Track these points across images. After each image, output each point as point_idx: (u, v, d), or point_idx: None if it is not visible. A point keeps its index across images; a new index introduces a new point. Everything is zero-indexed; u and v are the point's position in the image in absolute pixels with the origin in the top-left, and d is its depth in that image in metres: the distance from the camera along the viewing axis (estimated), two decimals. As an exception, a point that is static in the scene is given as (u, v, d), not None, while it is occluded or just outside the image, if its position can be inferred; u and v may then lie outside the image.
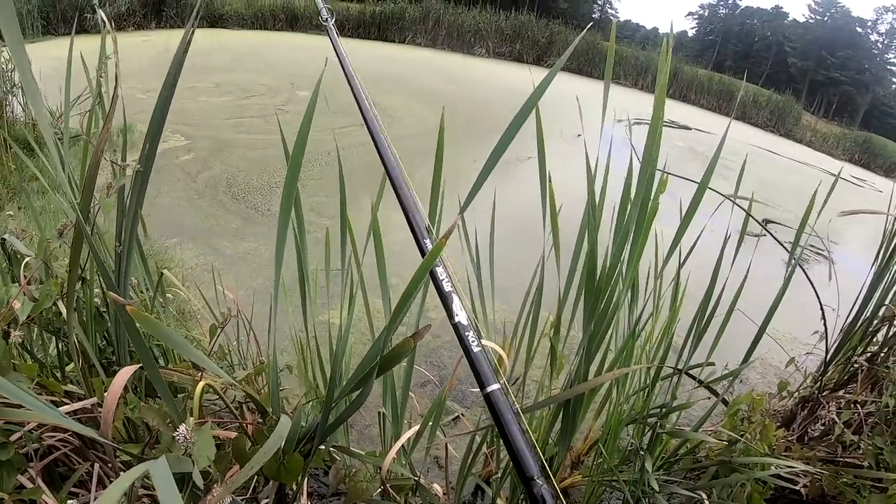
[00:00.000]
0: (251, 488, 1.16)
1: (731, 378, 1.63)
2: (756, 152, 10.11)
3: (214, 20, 14.21)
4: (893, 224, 1.76)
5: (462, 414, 2.16)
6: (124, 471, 0.90)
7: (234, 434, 0.93)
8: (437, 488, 1.26)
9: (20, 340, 0.96)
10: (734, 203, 1.48)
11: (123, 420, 1.04)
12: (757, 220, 1.60)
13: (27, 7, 8.15)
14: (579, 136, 6.91)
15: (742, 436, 1.48)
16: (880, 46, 44.59)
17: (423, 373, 2.34)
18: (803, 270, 1.53)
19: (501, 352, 1.06)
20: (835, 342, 1.81)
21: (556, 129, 6.97)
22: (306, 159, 1.18)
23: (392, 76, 10.08)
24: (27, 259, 1.08)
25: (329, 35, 1.36)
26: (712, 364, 1.59)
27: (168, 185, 4.15)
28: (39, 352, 1.16)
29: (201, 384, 0.82)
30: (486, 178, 0.85)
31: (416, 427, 1.20)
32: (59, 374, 1.12)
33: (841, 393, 1.79)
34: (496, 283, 1.57)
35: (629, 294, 1.44)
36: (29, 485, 0.86)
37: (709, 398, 1.66)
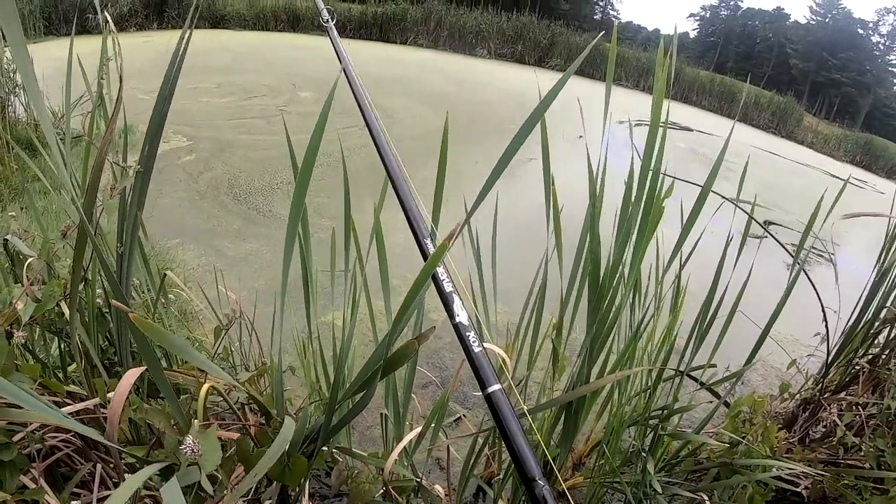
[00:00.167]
0: (253, 489, 1.16)
1: (732, 380, 1.63)
2: (758, 154, 10.10)
3: (216, 21, 14.21)
4: (895, 226, 1.76)
5: (464, 415, 2.16)
6: (128, 472, 0.90)
7: (236, 435, 0.94)
8: (439, 490, 1.26)
9: (23, 341, 0.96)
10: (737, 206, 1.48)
11: (127, 421, 1.04)
12: (759, 223, 1.60)
13: (29, 7, 8.18)
14: (581, 137, 6.92)
15: (743, 437, 1.48)
16: (882, 48, 44.54)
17: (424, 374, 2.34)
18: (805, 273, 1.53)
19: (504, 355, 1.06)
20: (836, 344, 1.81)
21: (557, 131, 6.97)
22: (308, 161, 1.18)
23: (393, 77, 10.08)
24: (30, 260, 1.08)
25: (330, 36, 1.36)
26: (714, 366, 1.59)
27: (170, 186, 4.16)
28: (41, 352, 1.16)
29: (206, 386, 0.82)
30: (492, 185, 0.85)
31: (419, 429, 1.20)
32: (61, 375, 1.12)
33: (842, 395, 1.79)
34: (498, 284, 1.57)
35: (632, 296, 1.44)
36: (31, 485, 0.86)
37: (711, 402, 1.66)
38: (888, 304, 1.74)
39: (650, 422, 1.54)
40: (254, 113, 6.50)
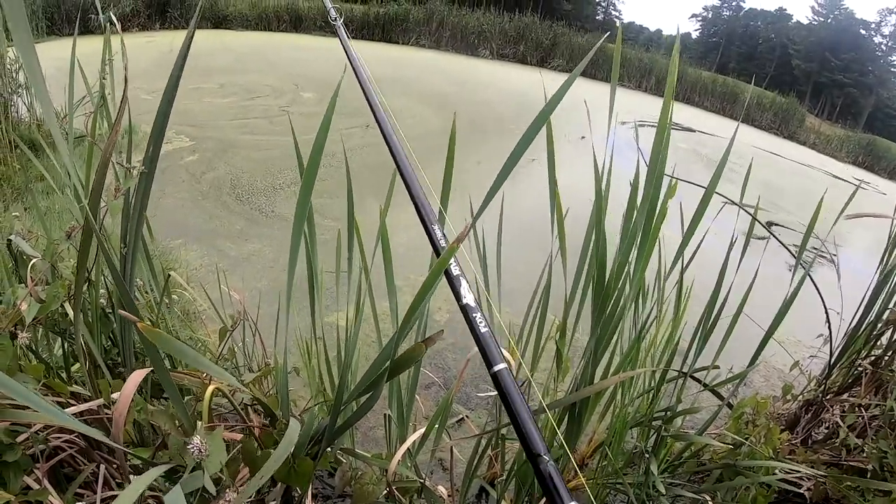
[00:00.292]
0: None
1: (735, 381, 1.62)
2: (760, 154, 10.09)
3: (218, 21, 14.24)
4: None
5: (467, 416, 2.16)
6: (133, 473, 0.90)
7: (239, 436, 0.94)
8: (442, 490, 1.26)
9: (27, 342, 0.96)
10: (741, 208, 1.48)
11: (131, 422, 1.04)
12: (762, 223, 1.59)
13: (31, 7, 8.19)
14: (583, 138, 6.91)
15: (746, 439, 1.47)
16: (884, 48, 44.47)
17: (427, 375, 2.34)
18: (808, 275, 1.52)
19: (508, 356, 1.06)
20: (839, 345, 1.80)
21: (560, 132, 6.95)
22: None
23: (395, 77, 10.09)
24: (34, 260, 1.08)
25: (339, 35, 1.36)
26: (717, 367, 1.59)
27: (173, 186, 4.16)
28: (45, 352, 1.16)
29: (211, 388, 0.82)
30: (499, 187, 0.85)
31: (422, 430, 1.20)
32: (64, 375, 1.12)
33: (845, 396, 1.78)
34: (502, 285, 1.57)
35: (636, 297, 1.44)
36: (35, 486, 0.86)
37: (717, 405, 1.65)
38: (891, 305, 1.73)
39: (653, 423, 1.54)
40: (256, 113, 6.51)
